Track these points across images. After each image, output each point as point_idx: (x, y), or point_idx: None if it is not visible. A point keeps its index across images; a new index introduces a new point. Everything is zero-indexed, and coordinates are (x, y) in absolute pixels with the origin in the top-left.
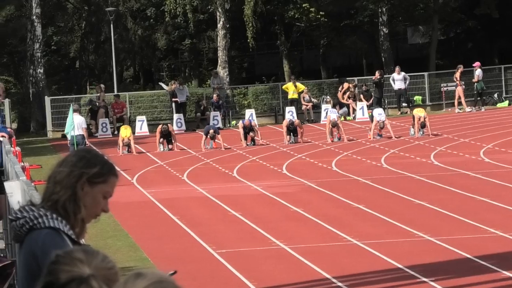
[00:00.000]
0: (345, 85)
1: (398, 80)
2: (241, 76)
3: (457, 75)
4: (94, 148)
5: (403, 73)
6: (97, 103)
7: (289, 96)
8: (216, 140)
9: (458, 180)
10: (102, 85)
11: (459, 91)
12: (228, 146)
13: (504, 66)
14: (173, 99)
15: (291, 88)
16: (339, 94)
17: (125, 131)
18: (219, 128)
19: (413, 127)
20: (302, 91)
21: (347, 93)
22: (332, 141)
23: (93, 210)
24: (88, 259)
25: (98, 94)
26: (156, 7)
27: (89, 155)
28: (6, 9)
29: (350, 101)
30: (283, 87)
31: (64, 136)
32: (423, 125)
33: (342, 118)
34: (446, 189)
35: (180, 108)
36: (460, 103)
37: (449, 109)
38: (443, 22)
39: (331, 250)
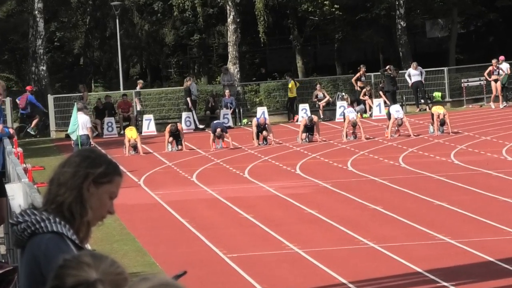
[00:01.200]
0: (362, 71)
1: (414, 75)
2: (252, 73)
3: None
4: (98, 148)
5: (420, 68)
6: (97, 103)
7: (291, 95)
8: (224, 139)
9: (480, 179)
10: (82, 85)
11: (498, 86)
12: (238, 145)
13: None
14: (188, 97)
15: (293, 87)
16: (353, 80)
17: (130, 133)
18: (229, 127)
19: (432, 125)
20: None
21: (363, 90)
22: (346, 137)
23: (99, 212)
24: (95, 263)
25: (81, 94)
26: (164, 1)
27: (93, 154)
28: (7, 4)
29: (367, 97)
30: (290, 85)
31: (67, 136)
32: (442, 123)
33: (359, 115)
34: (467, 189)
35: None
36: (496, 97)
37: (470, 106)
38: (463, 14)
39: (346, 253)
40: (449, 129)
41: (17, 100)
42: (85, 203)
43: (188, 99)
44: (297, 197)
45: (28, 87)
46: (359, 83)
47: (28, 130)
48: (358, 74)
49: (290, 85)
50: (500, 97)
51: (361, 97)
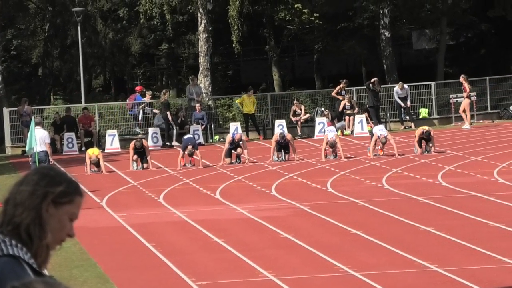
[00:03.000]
0: (341, 85)
1: (400, 95)
2: (225, 86)
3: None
4: (58, 165)
5: (406, 89)
6: (54, 118)
7: (245, 111)
8: (194, 156)
9: (469, 203)
10: (24, 98)
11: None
12: (209, 164)
13: None
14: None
15: (248, 101)
16: (333, 94)
17: (92, 150)
18: (199, 144)
19: (417, 145)
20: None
21: (342, 103)
22: (326, 157)
23: (59, 234)
24: None
25: (19, 108)
26: (130, 7)
27: (52, 172)
28: None
29: (347, 113)
30: (237, 101)
31: (24, 153)
32: (428, 136)
33: (339, 133)
34: (456, 214)
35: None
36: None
37: (459, 123)
38: (452, 25)
39: (325, 281)
40: (433, 147)
41: None
42: (44, 224)
43: (168, 113)
44: (273, 221)
45: None
46: (340, 98)
47: None
48: (337, 88)
49: (238, 101)
50: (469, 116)
51: (336, 95)
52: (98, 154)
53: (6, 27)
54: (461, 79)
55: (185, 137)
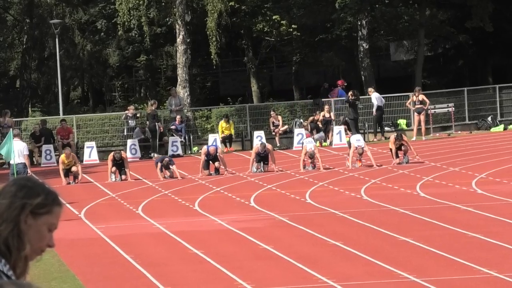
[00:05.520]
0: (321, 114)
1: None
2: (204, 97)
3: (419, 98)
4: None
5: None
6: (34, 129)
7: (221, 134)
8: (171, 167)
9: (447, 213)
10: (5, 110)
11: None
12: (187, 175)
13: (499, 85)
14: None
15: (225, 126)
16: (313, 118)
17: (63, 156)
18: (178, 156)
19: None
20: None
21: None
22: (304, 168)
23: (38, 245)
24: None
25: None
26: (108, 19)
27: (30, 183)
28: None
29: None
30: (220, 127)
31: (2, 165)
32: (400, 138)
33: (318, 144)
34: (434, 224)
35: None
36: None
37: (437, 134)
38: (430, 36)
39: None
40: (412, 152)
41: None
42: (23, 236)
43: (157, 124)
44: (251, 232)
45: None
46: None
47: None
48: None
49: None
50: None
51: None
52: (71, 160)
53: None
54: (418, 91)
55: (160, 156)
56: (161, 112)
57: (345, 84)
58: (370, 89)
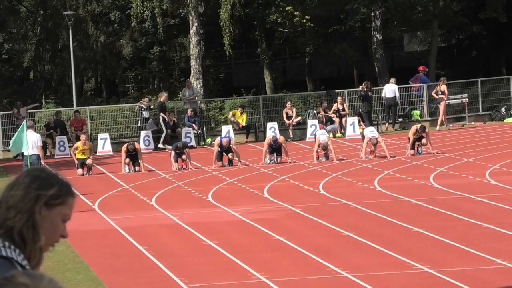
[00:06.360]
0: (335, 106)
1: (390, 90)
2: (217, 89)
3: (441, 88)
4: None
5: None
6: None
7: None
8: (183, 156)
9: (461, 204)
10: (18, 102)
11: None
12: (201, 166)
13: None
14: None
15: (238, 115)
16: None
17: (79, 143)
18: (191, 147)
19: (409, 147)
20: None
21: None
22: (318, 159)
23: (52, 236)
24: (33, 283)
25: (15, 111)
26: (121, 11)
27: (44, 174)
28: None
29: (338, 119)
30: (232, 113)
31: (16, 157)
32: (423, 131)
33: (331, 135)
34: (448, 215)
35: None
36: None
37: (451, 125)
38: (443, 27)
39: (317, 283)
40: (430, 145)
41: None
42: (37, 227)
43: (162, 115)
44: (265, 223)
45: None
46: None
47: None
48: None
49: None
50: (442, 120)
51: (330, 114)
52: (87, 147)
53: None
54: (442, 82)
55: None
56: (174, 103)
57: (427, 69)
58: (392, 79)
